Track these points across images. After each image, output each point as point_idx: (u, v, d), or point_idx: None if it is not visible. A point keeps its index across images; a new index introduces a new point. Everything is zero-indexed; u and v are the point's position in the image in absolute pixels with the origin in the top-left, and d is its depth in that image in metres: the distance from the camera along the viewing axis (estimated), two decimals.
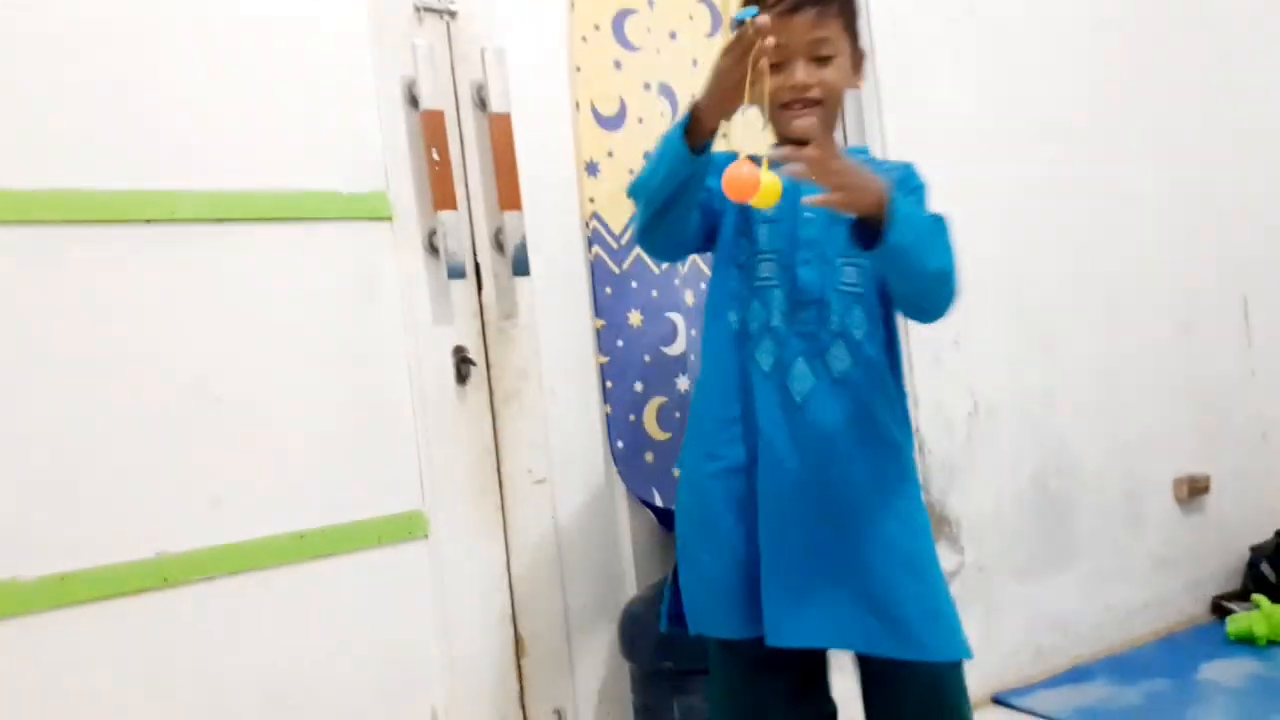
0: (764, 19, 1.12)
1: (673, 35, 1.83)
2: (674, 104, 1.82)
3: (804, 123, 1.30)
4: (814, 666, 1.41)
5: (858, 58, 1.37)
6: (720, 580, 1.32)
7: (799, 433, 1.30)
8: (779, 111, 1.31)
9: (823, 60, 1.30)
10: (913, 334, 2.13)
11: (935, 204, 2.15)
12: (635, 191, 1.32)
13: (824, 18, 1.30)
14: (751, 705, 1.37)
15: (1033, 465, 2.33)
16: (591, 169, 1.73)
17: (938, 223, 1.27)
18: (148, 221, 1.32)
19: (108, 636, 1.28)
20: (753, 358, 1.32)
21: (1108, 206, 2.47)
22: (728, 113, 1.21)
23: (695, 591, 1.36)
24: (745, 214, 1.34)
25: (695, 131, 1.21)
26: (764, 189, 1.12)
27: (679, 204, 1.28)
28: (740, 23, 1.13)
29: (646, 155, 1.34)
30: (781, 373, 1.31)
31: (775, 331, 1.32)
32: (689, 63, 1.85)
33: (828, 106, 1.33)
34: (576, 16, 1.72)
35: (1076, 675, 2.33)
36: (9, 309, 1.23)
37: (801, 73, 1.29)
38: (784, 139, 1.33)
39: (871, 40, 2.10)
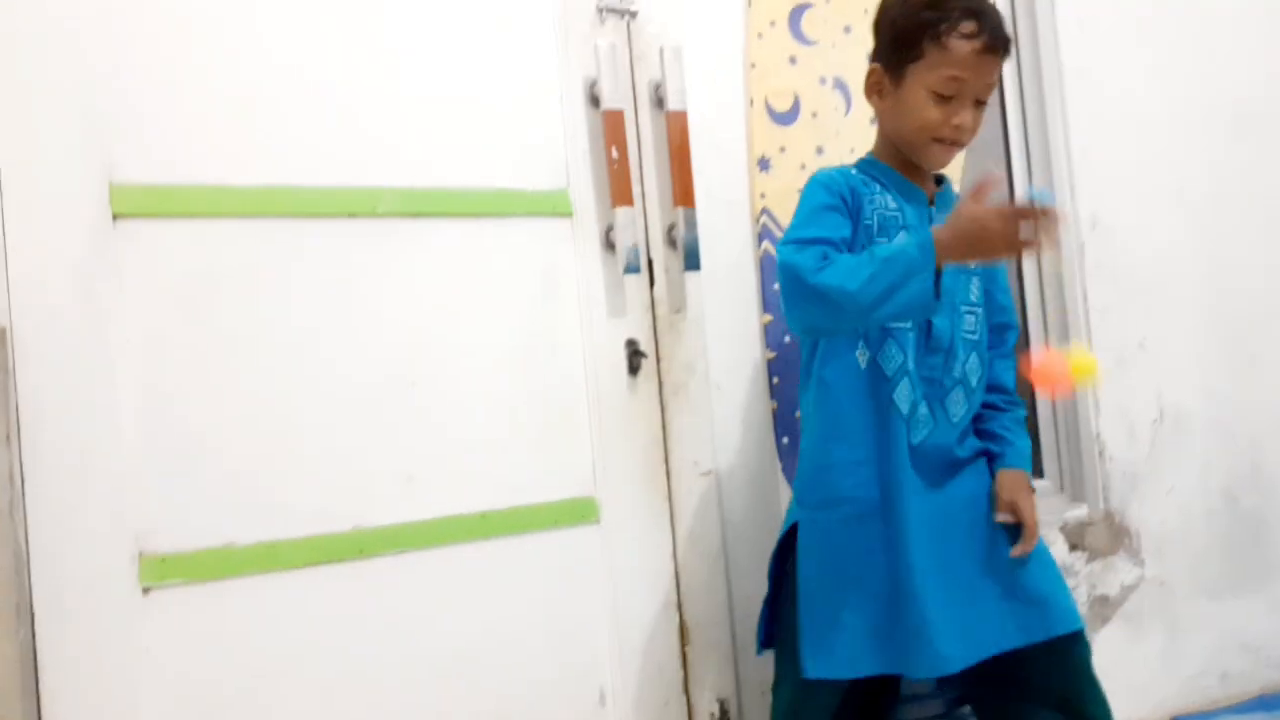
0: (1059, 212, 1.14)
1: (847, 29, 1.81)
2: (848, 98, 1.80)
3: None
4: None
5: None
6: (856, 623, 1.34)
7: (919, 471, 1.36)
8: (931, 142, 1.35)
9: (981, 104, 1.35)
10: (1096, 335, 2.04)
11: (1122, 201, 2.07)
12: (832, 305, 1.24)
13: (1002, 63, 1.36)
14: None
15: (1224, 477, 2.20)
16: (763, 164, 1.74)
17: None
18: (351, 215, 1.42)
19: (308, 602, 1.38)
20: (891, 400, 1.36)
21: None
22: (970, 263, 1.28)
23: (821, 634, 1.36)
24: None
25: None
26: (1081, 370, 1.23)
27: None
28: (1036, 203, 1.13)
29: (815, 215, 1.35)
30: (912, 415, 1.36)
31: (910, 375, 1.37)
32: (864, 56, 1.82)
33: (962, 149, 1.42)
34: (753, 13, 1.73)
35: (1267, 703, 2.17)
36: (232, 296, 1.35)
37: (969, 117, 1.34)
38: (906, 165, 1.40)
39: (1055, 20, 2.02)
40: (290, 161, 1.38)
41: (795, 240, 1.31)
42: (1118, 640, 2.05)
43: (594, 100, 1.58)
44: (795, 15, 1.75)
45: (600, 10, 1.59)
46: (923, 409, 1.37)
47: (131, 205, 1.29)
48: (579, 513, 1.56)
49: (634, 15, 1.62)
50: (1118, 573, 2.06)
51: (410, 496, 1.44)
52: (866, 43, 1.81)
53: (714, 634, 1.66)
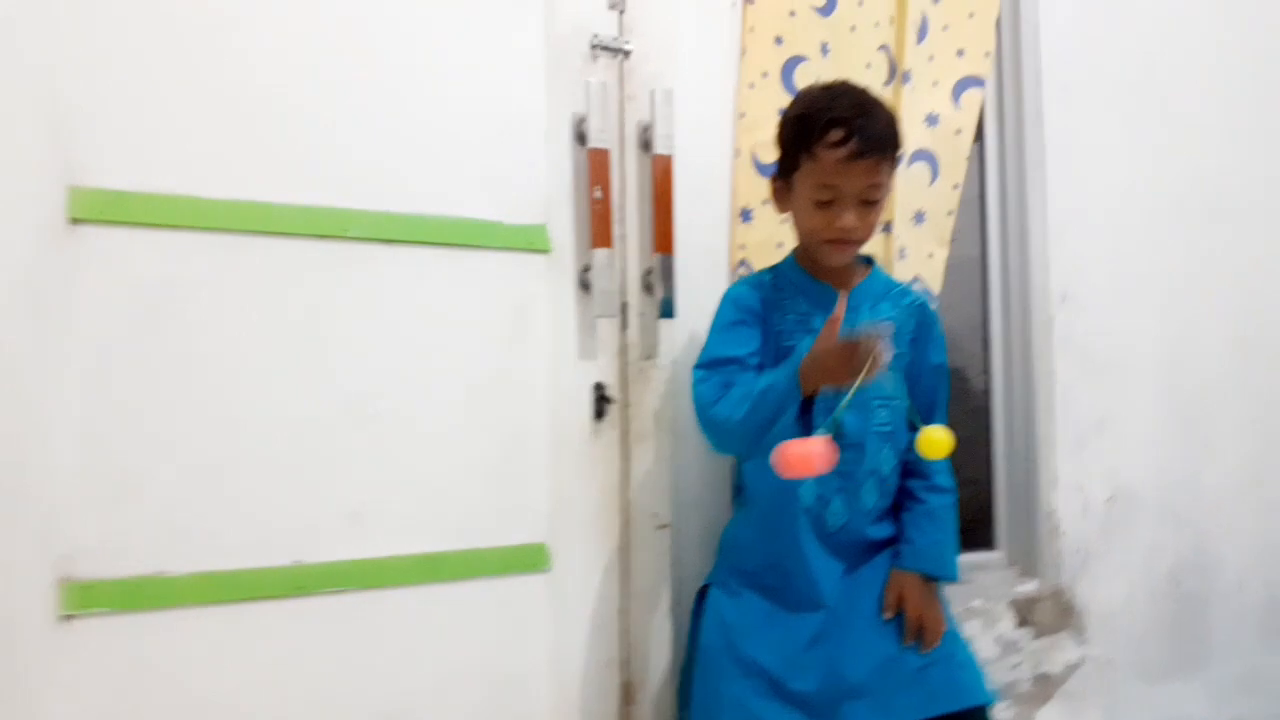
0: (887, 353, 1.22)
1: None
2: None
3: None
4: None
5: (890, 194, 1.48)
6: (748, 686, 1.39)
7: (835, 559, 1.44)
8: (822, 244, 1.43)
9: (870, 203, 1.39)
10: (1057, 414, 2.04)
11: (1092, 278, 2.08)
12: (727, 434, 1.39)
13: (881, 164, 1.38)
14: None
15: (1171, 560, 2.21)
16: (745, 216, 1.71)
17: (953, 521, 1.50)
18: (321, 237, 1.35)
19: (241, 638, 1.30)
20: (796, 494, 1.43)
21: (1276, 295, 2.33)
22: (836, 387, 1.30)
23: (713, 695, 1.41)
24: (786, 352, 1.42)
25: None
26: (933, 447, 1.27)
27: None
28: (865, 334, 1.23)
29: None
30: (821, 507, 1.43)
31: None
32: None
33: (862, 245, 1.45)
34: (747, 63, 1.71)
35: None
36: (189, 312, 1.28)
37: (852, 217, 1.38)
38: (818, 266, 1.47)
39: (1041, 104, 2.03)
40: (262, 176, 1.32)
41: (705, 363, 1.44)
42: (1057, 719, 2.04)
43: (580, 137, 1.54)
44: (789, 68, 1.74)
45: (594, 47, 1.55)
46: (837, 502, 1.44)
47: (91, 210, 1.22)
48: (530, 560, 1.50)
49: (627, 55, 1.58)
50: (1063, 650, 2.06)
51: (356, 534, 1.37)
52: None
53: (657, 696, 1.61)
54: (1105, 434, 2.13)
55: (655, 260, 1.59)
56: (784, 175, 1.45)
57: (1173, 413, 2.22)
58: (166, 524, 1.26)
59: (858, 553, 1.47)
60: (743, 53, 1.70)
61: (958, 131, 1.91)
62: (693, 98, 1.65)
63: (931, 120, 1.88)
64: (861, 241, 1.43)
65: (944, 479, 1.51)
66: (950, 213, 1.90)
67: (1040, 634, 2.04)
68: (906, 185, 1.85)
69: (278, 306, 1.33)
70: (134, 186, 1.24)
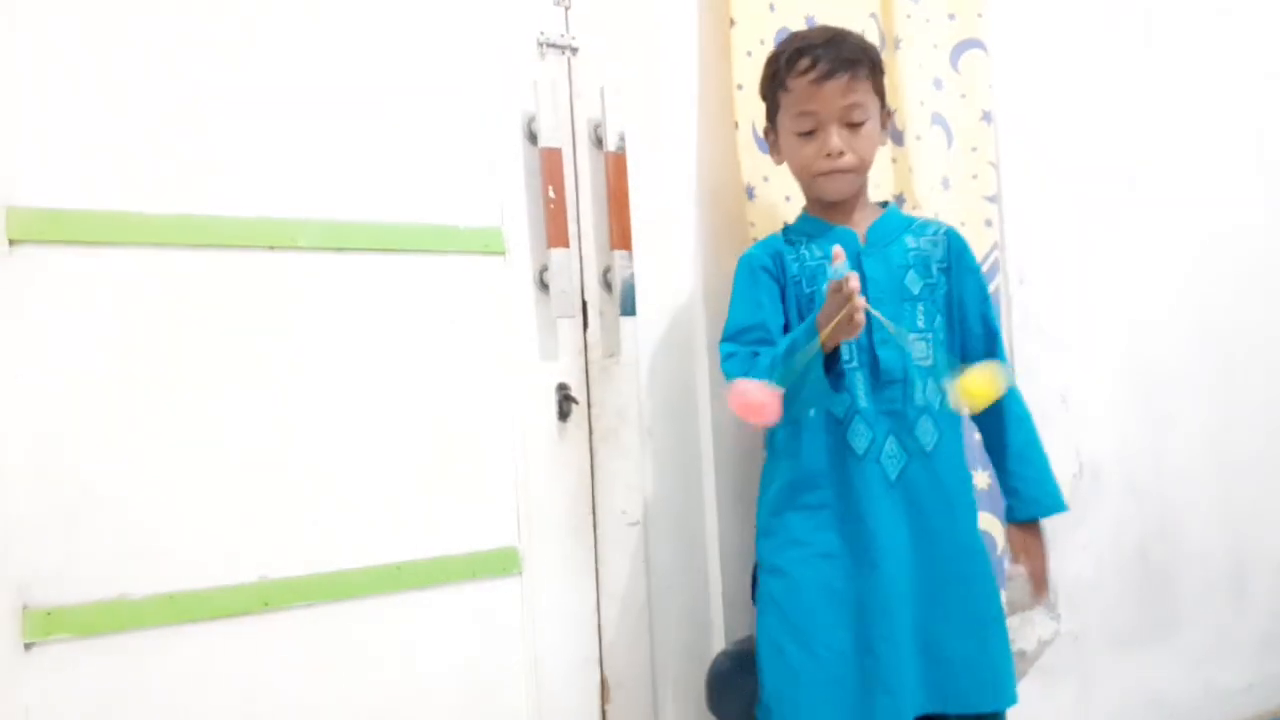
0: (855, 282, 1.13)
1: None
2: None
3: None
4: None
5: (885, 116, 1.44)
6: (812, 670, 1.32)
7: (897, 509, 1.34)
8: (815, 178, 1.39)
9: (855, 126, 1.36)
10: (1021, 388, 2.05)
11: (1050, 258, 2.09)
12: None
13: (855, 82, 1.35)
14: None
15: (1137, 531, 2.24)
16: (750, 193, 1.66)
17: (1040, 447, 1.48)
18: (270, 248, 1.34)
19: (210, 657, 1.29)
20: (845, 441, 1.35)
21: (1235, 269, 2.37)
22: (847, 340, 1.26)
23: (783, 685, 1.35)
24: (809, 298, 1.39)
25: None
26: (977, 392, 1.23)
27: None
28: (834, 279, 1.15)
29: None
30: (876, 453, 1.35)
31: (864, 413, 1.35)
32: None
33: (860, 172, 1.40)
34: (739, 32, 1.66)
35: None
36: (136, 329, 1.26)
37: (836, 140, 1.35)
38: (819, 201, 1.43)
39: (993, 83, 2.04)
40: (207, 190, 1.30)
41: (730, 335, 1.40)
42: (1032, 695, 2.05)
43: (531, 137, 1.53)
44: (779, 38, 1.65)
45: (541, 45, 1.54)
46: (891, 444, 1.35)
47: (30, 230, 1.19)
48: (500, 564, 1.50)
49: (575, 51, 1.57)
50: (1035, 627, 2.08)
51: (321, 546, 1.36)
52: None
53: (635, 691, 1.61)
54: (1068, 410, 2.15)
55: (614, 257, 1.59)
56: (771, 124, 1.45)
57: (1133, 387, 2.25)
58: (126, 546, 1.24)
59: (932, 507, 1.36)
60: (732, 23, 1.65)
61: (962, 95, 1.91)
62: (648, 88, 1.64)
63: (938, 84, 1.88)
64: (855, 169, 1.38)
65: (1016, 407, 1.47)
66: (975, 177, 1.89)
67: (1013, 611, 2.05)
68: (927, 151, 1.84)
69: (230, 320, 1.31)
70: (73, 204, 1.22)
